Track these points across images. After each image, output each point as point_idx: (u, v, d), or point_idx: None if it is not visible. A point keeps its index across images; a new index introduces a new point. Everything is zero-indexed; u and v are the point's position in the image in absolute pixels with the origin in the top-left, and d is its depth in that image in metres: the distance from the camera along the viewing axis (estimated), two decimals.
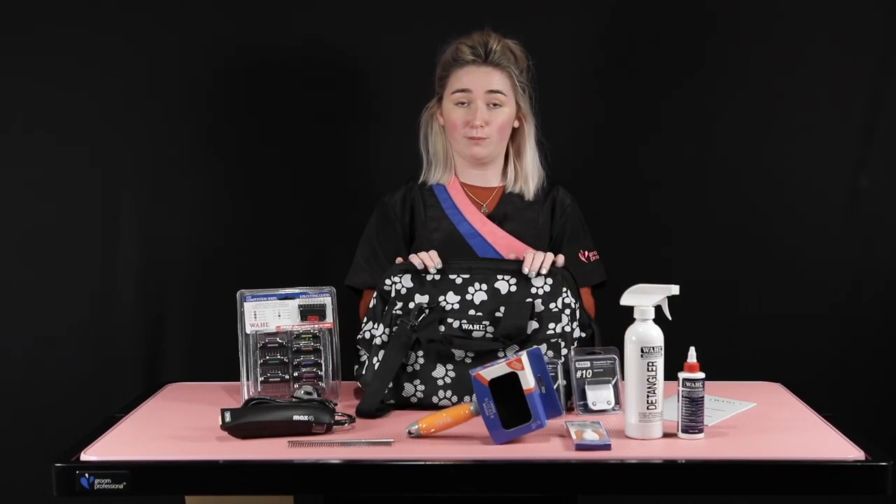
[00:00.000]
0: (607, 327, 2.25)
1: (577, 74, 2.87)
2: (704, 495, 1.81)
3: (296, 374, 2.19)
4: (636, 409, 1.90)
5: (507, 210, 2.41)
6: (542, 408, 1.88)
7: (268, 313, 2.20)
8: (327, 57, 2.87)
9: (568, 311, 2.13)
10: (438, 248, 2.33)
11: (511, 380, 1.87)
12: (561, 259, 2.20)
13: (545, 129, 2.46)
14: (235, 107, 2.88)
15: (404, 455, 1.83)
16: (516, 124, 2.42)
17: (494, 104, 2.34)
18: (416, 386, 2.12)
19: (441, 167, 2.44)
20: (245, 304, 2.19)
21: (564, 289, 2.13)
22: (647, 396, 1.89)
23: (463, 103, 2.35)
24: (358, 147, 2.88)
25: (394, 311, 2.13)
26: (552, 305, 2.12)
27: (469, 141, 2.36)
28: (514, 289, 2.12)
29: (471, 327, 2.11)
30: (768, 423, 2.03)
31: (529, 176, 2.42)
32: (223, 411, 1.93)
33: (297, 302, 2.21)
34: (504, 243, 2.36)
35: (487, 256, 2.34)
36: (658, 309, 1.94)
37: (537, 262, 2.15)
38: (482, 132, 2.34)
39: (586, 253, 2.43)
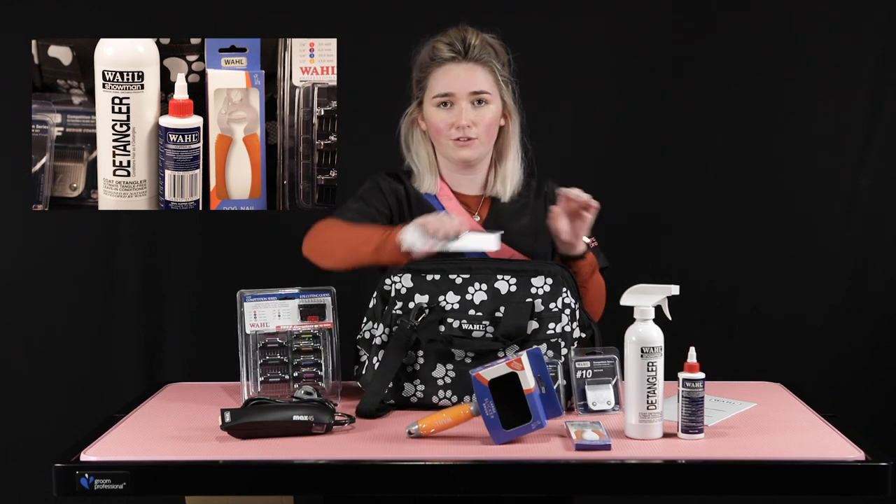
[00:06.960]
0: (607, 327, 2.25)
1: (576, 74, 2.87)
2: (704, 495, 1.81)
3: (296, 374, 2.19)
4: (636, 409, 1.90)
5: (500, 220, 2.34)
6: (542, 408, 1.88)
7: (268, 313, 2.20)
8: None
9: (568, 311, 2.13)
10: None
11: (511, 380, 1.87)
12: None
13: (547, 129, 2.44)
14: None
15: (404, 455, 1.83)
16: (502, 122, 2.34)
17: (480, 101, 2.27)
18: (416, 386, 2.11)
19: (428, 176, 2.35)
20: (245, 304, 2.19)
21: (564, 289, 2.13)
22: (647, 396, 1.89)
23: (445, 105, 2.28)
24: (356, 147, 2.87)
25: (394, 311, 2.13)
26: (552, 305, 2.11)
27: (456, 144, 2.28)
28: (514, 289, 2.12)
29: (471, 327, 2.10)
30: (768, 423, 2.03)
31: (508, 178, 2.34)
32: (223, 411, 1.93)
33: (297, 302, 2.20)
34: (501, 254, 2.31)
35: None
36: (658, 309, 1.94)
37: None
38: (470, 132, 2.27)
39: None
